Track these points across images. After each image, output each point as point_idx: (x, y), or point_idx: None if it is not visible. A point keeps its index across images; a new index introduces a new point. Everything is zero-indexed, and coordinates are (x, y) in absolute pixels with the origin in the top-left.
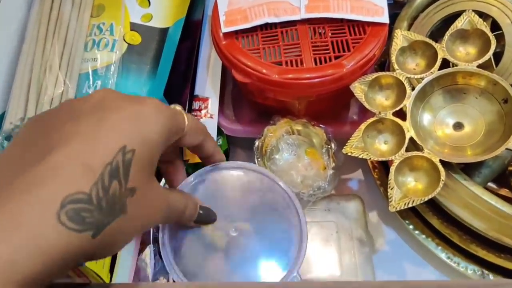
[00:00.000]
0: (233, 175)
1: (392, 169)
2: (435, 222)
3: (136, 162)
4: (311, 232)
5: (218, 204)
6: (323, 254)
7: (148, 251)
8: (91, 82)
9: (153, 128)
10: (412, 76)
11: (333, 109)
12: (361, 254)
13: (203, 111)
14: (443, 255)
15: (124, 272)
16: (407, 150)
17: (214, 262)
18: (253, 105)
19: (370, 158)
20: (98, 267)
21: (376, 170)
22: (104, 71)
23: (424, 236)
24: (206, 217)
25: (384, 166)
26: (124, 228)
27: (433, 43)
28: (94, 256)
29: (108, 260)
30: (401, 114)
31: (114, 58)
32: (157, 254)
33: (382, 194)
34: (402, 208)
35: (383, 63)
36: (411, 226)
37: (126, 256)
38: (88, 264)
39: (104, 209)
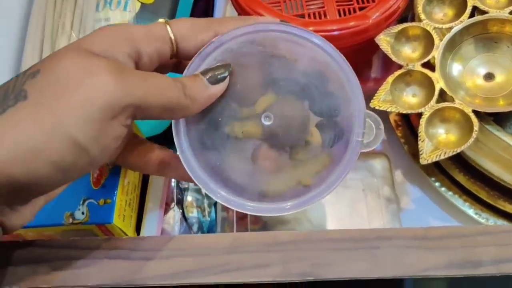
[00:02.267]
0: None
1: (422, 121)
2: (461, 178)
3: None
4: (337, 191)
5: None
6: (351, 213)
7: (172, 213)
8: None
9: None
10: (440, 26)
11: (356, 66)
12: (389, 212)
13: None
14: (471, 211)
15: (150, 231)
16: (436, 102)
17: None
18: None
19: (398, 111)
20: (125, 225)
21: (400, 128)
22: None
23: (451, 192)
24: (217, 74)
25: (407, 124)
26: (30, 115)
27: None
28: (9, 164)
29: (134, 219)
30: (428, 66)
31: (127, 18)
32: (182, 215)
33: (406, 152)
34: (433, 160)
35: (404, 19)
36: (437, 183)
37: (152, 215)
38: (115, 221)
39: None
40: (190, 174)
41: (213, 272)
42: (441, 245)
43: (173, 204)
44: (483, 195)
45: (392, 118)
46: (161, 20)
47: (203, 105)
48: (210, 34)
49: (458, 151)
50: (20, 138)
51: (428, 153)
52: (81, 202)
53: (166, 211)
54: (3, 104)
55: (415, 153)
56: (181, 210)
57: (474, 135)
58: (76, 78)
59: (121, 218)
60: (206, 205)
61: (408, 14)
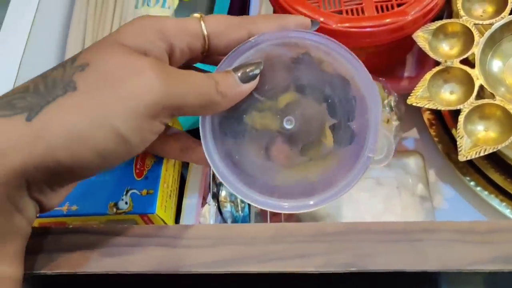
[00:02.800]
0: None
1: (461, 118)
2: (497, 178)
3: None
4: (371, 189)
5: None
6: (385, 211)
7: (208, 208)
8: None
9: None
10: (480, 22)
11: (390, 64)
12: (424, 209)
13: None
14: (508, 212)
15: (188, 223)
16: (475, 99)
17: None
18: None
19: (436, 108)
20: (167, 215)
21: (434, 127)
22: None
23: (486, 192)
24: (248, 71)
25: (441, 123)
26: (79, 105)
27: None
28: (52, 144)
29: (174, 210)
30: (467, 63)
31: (166, 15)
32: (218, 209)
33: (440, 151)
34: (473, 157)
35: (439, 17)
36: (472, 183)
37: (190, 208)
38: (158, 211)
39: (42, 92)
40: (210, 163)
41: (257, 261)
42: (487, 239)
43: (209, 198)
44: None
45: (425, 117)
46: (196, 15)
47: (233, 102)
48: (243, 33)
49: (499, 147)
50: (68, 125)
51: (467, 150)
52: (124, 193)
53: (202, 204)
54: (52, 94)
55: (449, 152)
56: (216, 204)
57: None
58: (123, 75)
59: (162, 209)
60: (239, 200)
61: (443, 11)
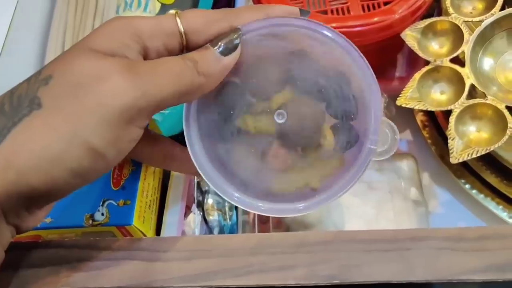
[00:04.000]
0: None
1: (452, 118)
2: (493, 180)
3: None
4: (363, 193)
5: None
6: (378, 216)
7: (193, 217)
8: None
9: None
10: (469, 19)
11: (380, 64)
12: (417, 214)
13: None
14: (504, 215)
15: (170, 234)
16: (466, 98)
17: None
18: None
19: (427, 108)
20: (145, 227)
21: (427, 128)
22: None
23: (482, 195)
24: (228, 42)
25: (434, 124)
26: (46, 124)
27: None
28: (26, 169)
29: (154, 221)
30: (457, 62)
31: None
32: (202, 218)
33: (434, 153)
34: (465, 159)
35: (429, 14)
36: (467, 186)
37: (172, 218)
38: (135, 223)
39: (7, 113)
40: (199, 170)
41: (235, 274)
42: (478, 247)
43: (194, 207)
44: None
45: (418, 118)
46: (171, 11)
47: (218, 80)
48: (223, 27)
49: (492, 149)
50: (37, 147)
51: (459, 152)
52: (100, 203)
53: (186, 214)
54: (17, 113)
55: (443, 155)
56: (201, 213)
57: (508, 132)
58: (88, 83)
59: (141, 220)
60: (227, 208)
61: (433, 9)
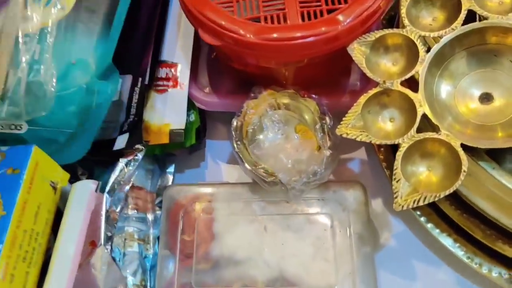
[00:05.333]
0: None
1: (399, 155)
2: (452, 213)
3: None
4: (299, 228)
5: None
6: (316, 256)
7: (100, 254)
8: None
9: None
10: (427, 34)
11: (328, 76)
12: (361, 254)
13: (171, 81)
14: (461, 254)
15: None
16: (418, 130)
17: None
18: (232, 73)
19: (370, 141)
20: (15, 286)
21: (382, 149)
22: (42, 33)
23: (438, 230)
24: None
25: (391, 146)
26: None
27: None
28: None
29: (33, 275)
30: (412, 84)
31: (55, 17)
32: (111, 256)
33: (389, 178)
34: (410, 206)
35: (392, 18)
36: (422, 218)
37: (61, 268)
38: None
39: None
40: None
41: None
42: None
43: (100, 243)
44: (478, 234)
45: None
46: None
47: None
48: None
49: (441, 196)
50: None
51: (404, 197)
52: None
53: (91, 252)
54: None
55: None
56: (109, 250)
57: (462, 176)
58: None
59: (7, 280)
60: (151, 237)
61: (396, 12)
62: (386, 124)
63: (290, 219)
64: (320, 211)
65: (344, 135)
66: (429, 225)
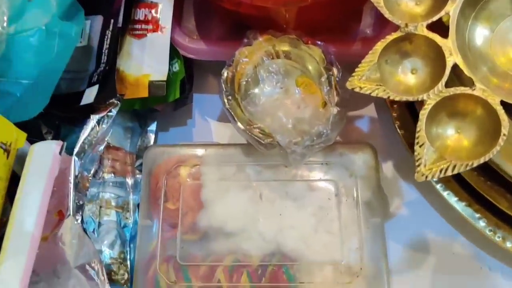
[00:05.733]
0: None
1: (423, 115)
2: (475, 180)
3: None
4: (300, 196)
5: None
6: (318, 227)
7: (69, 225)
8: None
9: None
10: None
11: (337, 19)
12: (370, 226)
13: (151, 24)
14: (482, 226)
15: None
16: (447, 85)
17: None
18: (223, 15)
19: (389, 97)
20: None
21: (395, 106)
22: None
23: (457, 198)
24: None
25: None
26: None
27: None
28: None
29: None
30: (439, 28)
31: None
32: (81, 227)
33: (402, 139)
34: (436, 177)
35: None
36: (439, 185)
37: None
38: None
39: None
40: None
41: None
42: None
43: (69, 214)
44: (503, 205)
45: None
46: None
47: None
48: None
49: (475, 165)
50: None
51: (428, 165)
52: None
53: (59, 224)
54: None
55: (412, 142)
56: (79, 221)
57: (501, 141)
58: None
59: None
60: (130, 204)
61: None
62: (407, 77)
63: (289, 186)
64: (324, 177)
65: (357, 89)
66: (447, 193)
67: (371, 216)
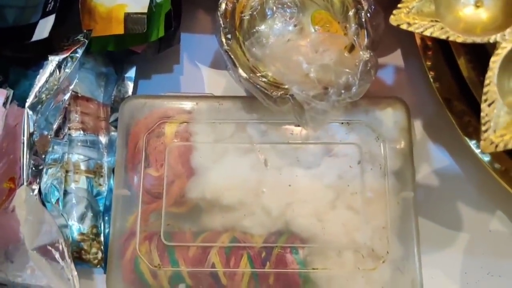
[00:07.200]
0: None
1: (495, 62)
2: None
3: None
4: (314, 163)
5: None
6: (336, 202)
7: (23, 196)
8: None
9: None
10: None
11: None
12: (400, 202)
13: None
14: None
15: None
16: None
17: None
18: None
19: (448, 37)
20: None
21: (429, 53)
22: None
23: (503, 168)
24: None
25: (444, 46)
26: None
27: None
28: None
29: None
30: None
31: None
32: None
33: (437, 92)
34: (508, 147)
35: None
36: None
37: None
38: None
39: None
40: None
41: None
42: None
43: (22, 182)
44: None
45: (418, 36)
46: None
47: None
48: None
49: None
50: None
51: (499, 130)
52: None
53: (9, 194)
54: None
55: (450, 98)
56: (36, 192)
57: None
58: None
59: None
60: (104, 168)
61: None
62: (470, 11)
63: (301, 151)
64: (344, 140)
65: (404, 27)
66: (487, 159)
67: (402, 189)
